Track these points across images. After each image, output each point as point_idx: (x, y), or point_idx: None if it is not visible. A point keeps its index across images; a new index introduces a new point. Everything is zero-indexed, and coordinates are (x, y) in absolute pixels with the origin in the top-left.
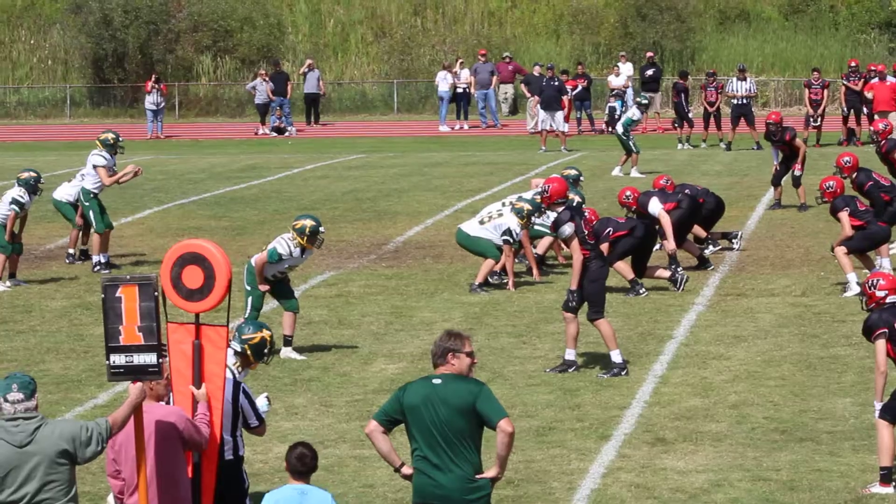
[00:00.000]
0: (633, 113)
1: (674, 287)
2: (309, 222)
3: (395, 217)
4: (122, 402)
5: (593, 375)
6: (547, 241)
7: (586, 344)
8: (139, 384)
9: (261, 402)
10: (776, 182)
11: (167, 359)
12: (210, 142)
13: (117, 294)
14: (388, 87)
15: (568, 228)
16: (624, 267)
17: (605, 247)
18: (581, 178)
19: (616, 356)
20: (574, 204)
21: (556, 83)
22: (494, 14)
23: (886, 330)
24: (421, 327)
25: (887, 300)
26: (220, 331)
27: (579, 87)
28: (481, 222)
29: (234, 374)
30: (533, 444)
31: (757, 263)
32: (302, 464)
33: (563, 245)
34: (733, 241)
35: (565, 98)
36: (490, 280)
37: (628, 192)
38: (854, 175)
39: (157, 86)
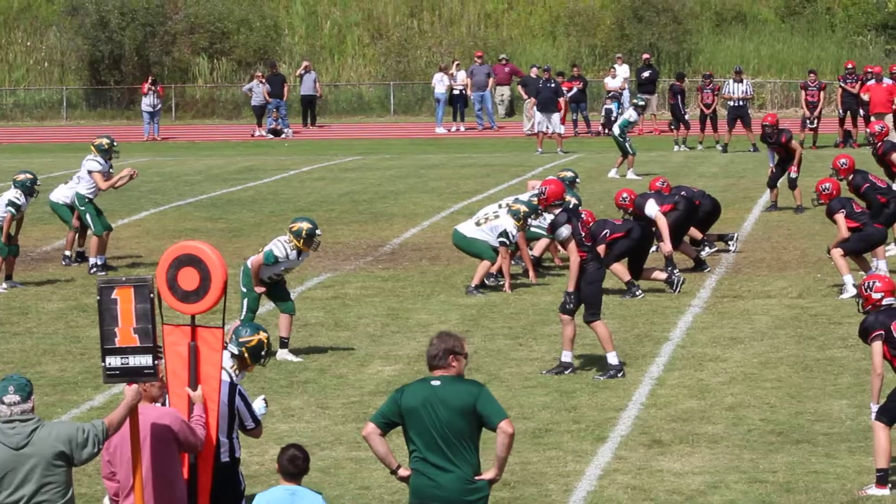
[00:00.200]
0: (630, 115)
1: (670, 289)
2: (305, 225)
3: (391, 219)
4: (119, 404)
5: (590, 377)
6: (543, 242)
7: (583, 346)
8: (135, 386)
9: (258, 404)
10: (772, 184)
11: (163, 360)
12: (206, 144)
13: (113, 296)
14: (385, 89)
15: (565, 231)
16: (620, 269)
17: (601, 249)
18: (577, 180)
19: (612, 358)
20: (571, 206)
21: (553, 85)
22: (491, 16)
23: (883, 332)
24: (417, 329)
25: (883, 302)
26: (216, 332)
27: (574, 89)
28: (478, 224)
29: (230, 377)
30: (529, 446)
31: (753, 265)
32: (293, 465)
33: (559, 247)
34: (729, 242)
35: (561, 100)
36: (486, 282)
37: (625, 195)
38: (850, 177)
39: (153, 88)
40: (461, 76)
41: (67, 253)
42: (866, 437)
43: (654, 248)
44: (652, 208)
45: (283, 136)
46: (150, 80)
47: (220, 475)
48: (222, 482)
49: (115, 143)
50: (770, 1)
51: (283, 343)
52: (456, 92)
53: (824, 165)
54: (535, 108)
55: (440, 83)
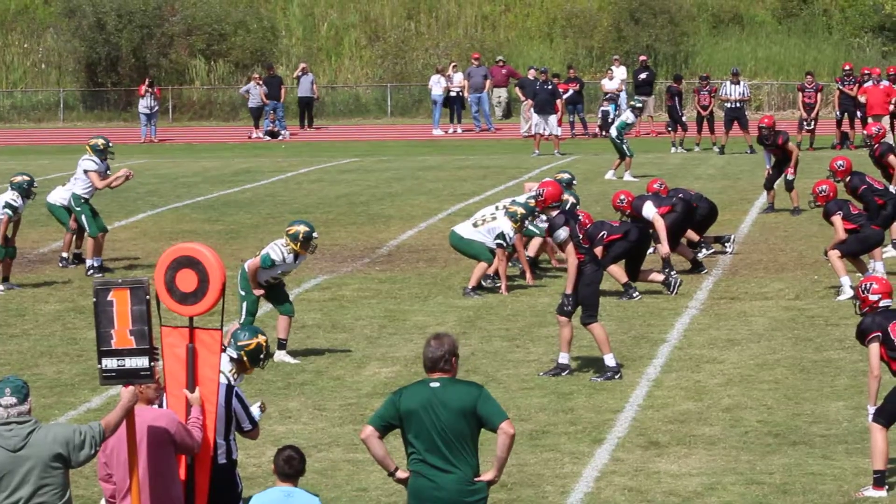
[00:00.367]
0: (627, 116)
1: (667, 291)
2: (302, 228)
3: (388, 221)
4: (115, 405)
5: (587, 379)
6: (537, 241)
7: (580, 348)
8: (131, 388)
9: (254, 410)
10: (769, 186)
11: (159, 362)
12: (204, 145)
13: (109, 298)
14: (382, 91)
15: (563, 233)
16: (617, 270)
17: (599, 250)
18: (574, 182)
19: (610, 360)
20: (568, 207)
21: (550, 87)
22: (488, 18)
23: (880, 334)
24: (414, 331)
25: (880, 304)
26: (214, 334)
27: (570, 91)
28: (475, 225)
29: (229, 380)
30: (526, 448)
31: (750, 267)
32: (289, 466)
33: (556, 248)
34: (726, 244)
35: (559, 102)
36: (483, 284)
37: (622, 196)
38: (847, 179)
39: (150, 89)
40: (458, 78)
41: (64, 255)
42: (863, 438)
43: (650, 251)
44: (650, 210)
45: (280, 137)
46: (147, 82)
47: (217, 477)
48: (219, 484)
49: (110, 144)
50: (767, 3)
51: (281, 344)
52: (453, 94)
53: (821, 167)
54: (532, 109)
55: (437, 85)
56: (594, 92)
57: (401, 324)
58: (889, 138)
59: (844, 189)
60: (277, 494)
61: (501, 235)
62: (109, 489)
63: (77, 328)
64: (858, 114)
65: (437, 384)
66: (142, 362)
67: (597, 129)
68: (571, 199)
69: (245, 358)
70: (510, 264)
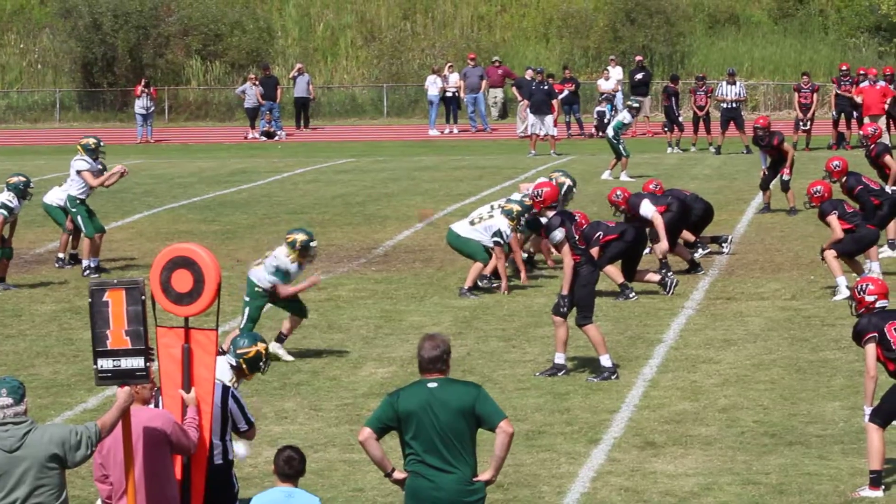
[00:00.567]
0: (624, 116)
1: (663, 291)
2: (300, 236)
3: (384, 221)
4: (112, 406)
5: (583, 379)
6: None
7: (576, 348)
8: (127, 388)
9: (239, 449)
10: (764, 186)
11: (155, 363)
12: (200, 146)
13: (104, 298)
14: (378, 91)
15: (559, 234)
16: (613, 271)
17: (595, 251)
18: (575, 190)
19: (606, 360)
20: (566, 192)
21: (546, 87)
22: (484, 18)
23: (876, 334)
24: (410, 331)
25: (876, 305)
26: (209, 335)
27: (566, 92)
28: (472, 223)
29: (231, 387)
30: (523, 448)
31: (746, 267)
32: (289, 467)
33: (552, 249)
34: (723, 245)
35: (555, 102)
36: (480, 284)
37: (618, 192)
38: (844, 179)
39: (146, 90)
40: (454, 78)
41: (61, 255)
42: (859, 438)
43: (647, 251)
44: (648, 208)
45: (277, 138)
46: (143, 83)
47: (213, 477)
48: (215, 484)
49: (101, 143)
50: (763, 3)
51: (280, 338)
52: (449, 94)
53: (817, 167)
54: (528, 110)
55: (433, 85)
56: (590, 92)
57: (397, 324)
58: (885, 138)
59: (840, 189)
60: (278, 495)
61: (499, 233)
62: (106, 490)
63: (73, 329)
64: (854, 114)
65: (434, 384)
66: (137, 363)
67: (593, 130)
68: (568, 182)
69: (244, 365)
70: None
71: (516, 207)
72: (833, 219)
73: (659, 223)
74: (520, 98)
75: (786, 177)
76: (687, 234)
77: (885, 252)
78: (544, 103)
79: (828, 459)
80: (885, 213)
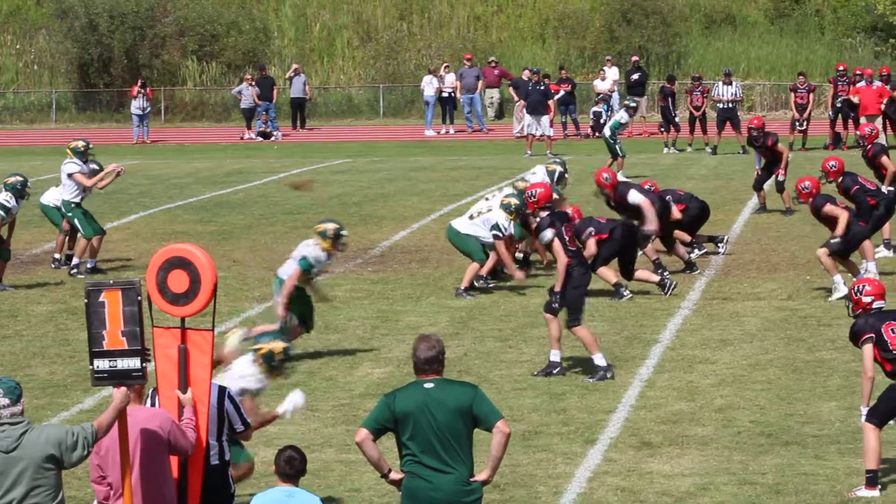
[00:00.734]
0: (622, 116)
1: (662, 291)
2: (331, 225)
3: (380, 221)
4: (108, 406)
5: (579, 379)
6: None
7: (572, 348)
8: (123, 389)
9: (289, 404)
10: (758, 187)
11: (151, 363)
12: (196, 146)
13: (100, 299)
14: (374, 92)
15: (548, 233)
16: (606, 272)
17: (592, 245)
18: (567, 176)
19: (599, 360)
20: (558, 178)
21: (542, 87)
22: (480, 18)
23: (873, 335)
24: (407, 332)
25: (873, 305)
26: (205, 335)
27: (562, 92)
28: (471, 217)
29: (259, 381)
30: (519, 449)
31: (743, 267)
32: (290, 466)
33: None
34: (719, 245)
35: (551, 102)
36: (476, 284)
37: (606, 175)
38: (840, 179)
39: (143, 90)
40: (450, 79)
41: (57, 256)
42: (856, 438)
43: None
44: (636, 196)
45: (273, 138)
46: (139, 83)
47: (209, 478)
48: (212, 485)
49: (90, 146)
50: (759, 3)
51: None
52: (445, 94)
53: (814, 168)
54: (524, 110)
55: (429, 86)
56: (586, 93)
57: (393, 324)
58: (882, 139)
59: (837, 190)
60: (279, 495)
61: (497, 226)
62: (102, 491)
63: (69, 329)
64: (851, 114)
65: (431, 385)
66: (134, 363)
67: (589, 130)
68: (559, 168)
69: (260, 361)
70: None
71: (514, 201)
72: (832, 208)
73: (647, 207)
74: (517, 98)
75: (781, 177)
76: (682, 234)
77: (882, 252)
78: (541, 104)
79: (824, 459)
80: (882, 213)
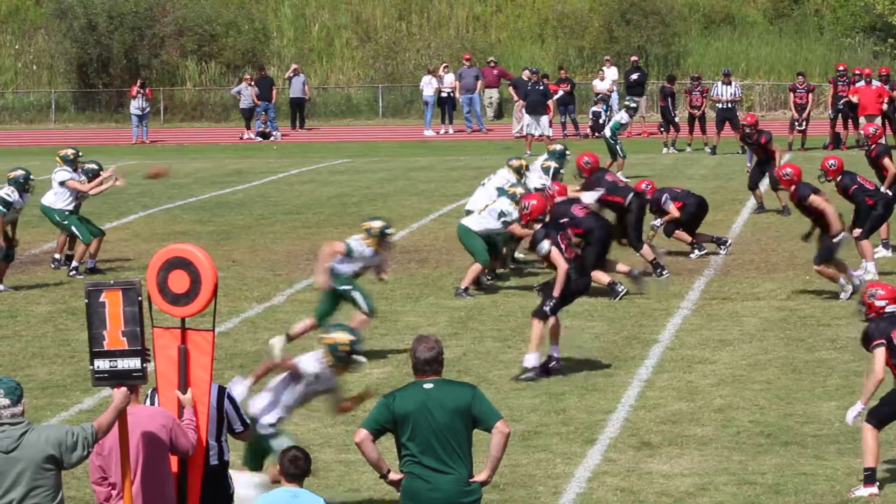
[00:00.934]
0: (622, 116)
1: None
2: (377, 223)
3: None
4: (108, 406)
5: (579, 380)
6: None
7: (570, 348)
8: (123, 389)
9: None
10: (752, 186)
11: (151, 363)
12: (195, 146)
13: (101, 299)
14: (374, 92)
15: (546, 244)
16: (599, 274)
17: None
18: (567, 153)
19: (532, 360)
20: (554, 174)
21: (541, 87)
22: (479, 18)
23: (884, 340)
24: (406, 332)
25: (886, 310)
26: (205, 335)
27: (561, 92)
28: (479, 212)
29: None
30: (518, 449)
31: (742, 267)
32: (295, 466)
33: None
34: (722, 246)
35: (550, 102)
36: (483, 282)
37: (587, 158)
38: (839, 178)
39: (142, 91)
40: (449, 79)
41: (57, 256)
42: (855, 438)
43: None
44: (590, 196)
45: (272, 139)
46: (138, 84)
47: (208, 478)
48: (211, 485)
49: (80, 154)
50: (758, 3)
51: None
52: (444, 94)
53: (813, 167)
54: (523, 110)
55: (428, 86)
56: (585, 93)
57: (392, 324)
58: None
59: (836, 189)
60: (283, 495)
61: (502, 213)
62: (103, 492)
63: (69, 329)
64: (850, 115)
65: (430, 385)
66: (134, 363)
67: (588, 130)
68: (554, 167)
69: (326, 351)
70: (510, 267)
71: (520, 190)
72: (818, 200)
73: (590, 198)
74: (516, 98)
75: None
76: (683, 235)
77: (881, 252)
78: (540, 104)
79: (823, 459)
80: (880, 212)
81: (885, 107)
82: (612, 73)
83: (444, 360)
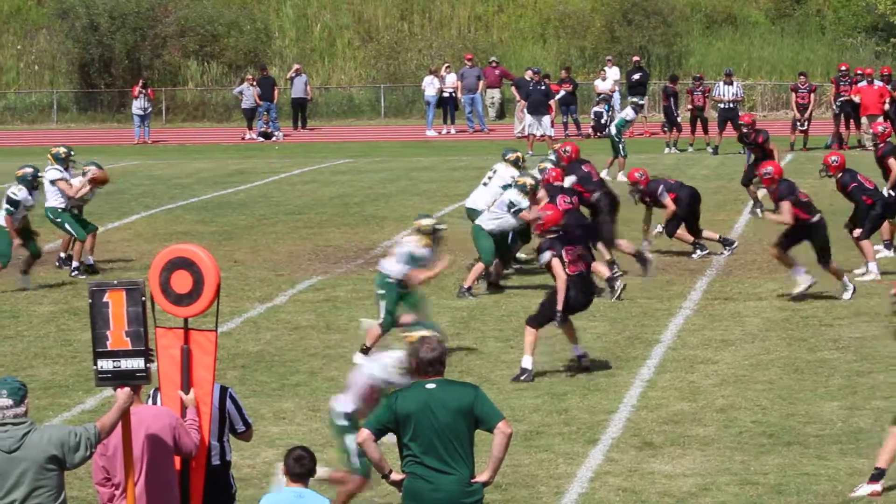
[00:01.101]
0: (627, 113)
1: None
2: (427, 221)
3: (382, 222)
4: (110, 407)
5: (581, 380)
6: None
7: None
8: (127, 389)
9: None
10: (745, 182)
11: (154, 363)
12: (197, 147)
13: (104, 299)
14: (375, 92)
15: (547, 255)
16: (600, 267)
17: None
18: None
19: (526, 362)
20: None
21: (543, 87)
22: (481, 18)
23: None
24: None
25: None
26: (208, 335)
27: (563, 92)
28: (489, 209)
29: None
30: (521, 449)
31: (744, 267)
32: (300, 465)
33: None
34: (727, 248)
35: (552, 102)
36: (490, 280)
37: (567, 147)
38: (839, 175)
39: (144, 91)
40: (451, 79)
41: (62, 255)
42: (857, 438)
43: (658, 230)
44: (568, 180)
45: (274, 139)
46: (140, 84)
47: (211, 479)
48: (213, 485)
49: (72, 152)
50: (760, 3)
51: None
52: (446, 94)
53: (815, 167)
54: (525, 110)
55: (430, 86)
56: (587, 93)
57: None
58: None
59: (836, 186)
60: (288, 495)
61: (511, 204)
62: (106, 493)
63: (71, 329)
64: (853, 114)
65: (433, 385)
66: (138, 364)
67: (590, 130)
68: (551, 162)
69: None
70: (513, 267)
71: (529, 181)
72: (787, 205)
73: (567, 182)
74: (518, 98)
75: None
76: (685, 235)
77: (882, 252)
78: (541, 104)
79: (826, 459)
80: (879, 212)
81: (886, 107)
82: (613, 73)
83: (446, 361)
